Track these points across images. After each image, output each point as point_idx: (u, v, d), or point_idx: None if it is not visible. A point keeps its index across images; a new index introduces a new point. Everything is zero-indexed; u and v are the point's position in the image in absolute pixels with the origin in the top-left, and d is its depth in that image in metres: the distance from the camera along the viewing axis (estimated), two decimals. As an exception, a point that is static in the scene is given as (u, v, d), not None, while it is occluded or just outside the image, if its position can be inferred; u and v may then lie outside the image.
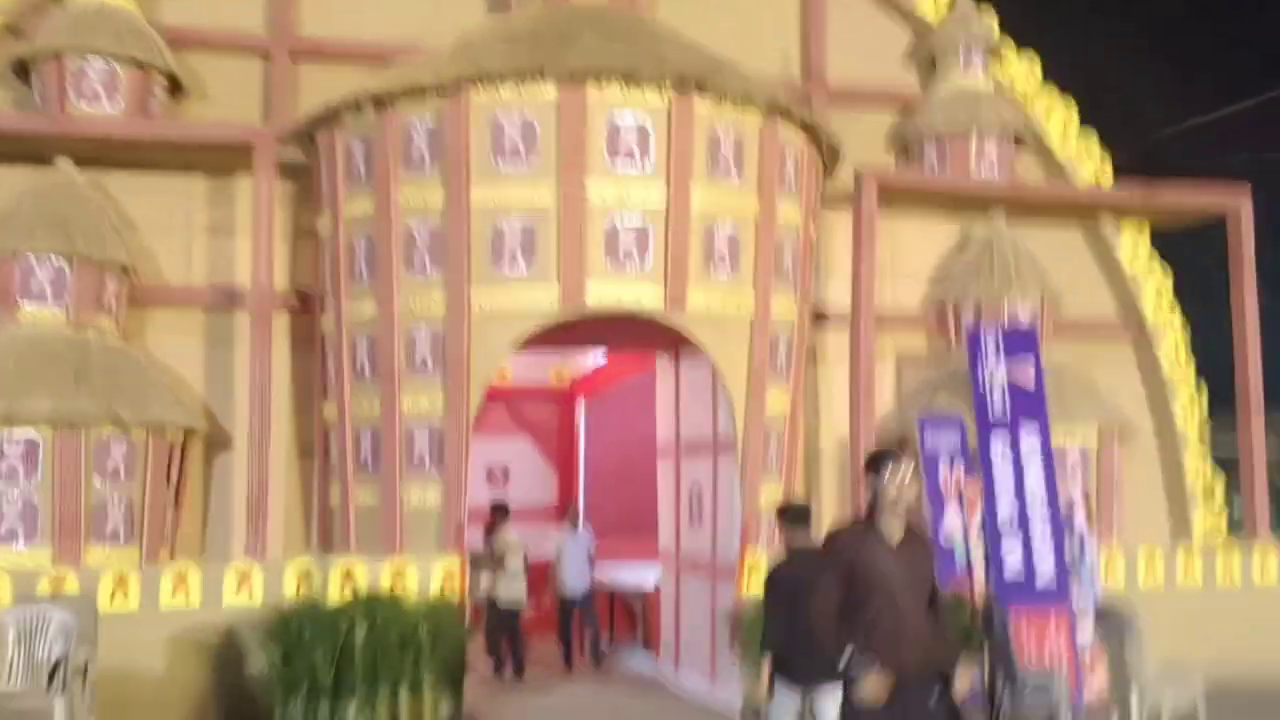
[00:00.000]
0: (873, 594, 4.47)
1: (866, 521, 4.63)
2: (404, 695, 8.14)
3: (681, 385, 11.00)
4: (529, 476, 16.07)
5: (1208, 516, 11.84)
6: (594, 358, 15.06)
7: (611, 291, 8.97)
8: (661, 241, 9.02)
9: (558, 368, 16.33)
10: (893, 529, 4.56)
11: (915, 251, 11.94)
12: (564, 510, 11.84)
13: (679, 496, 10.91)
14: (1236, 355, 11.63)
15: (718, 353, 9.41)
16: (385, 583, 8.59)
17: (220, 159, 10.13)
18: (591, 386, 15.28)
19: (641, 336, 10.59)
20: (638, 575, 12.39)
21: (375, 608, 8.22)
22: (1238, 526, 12.05)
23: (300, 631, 7.98)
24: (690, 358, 10.68)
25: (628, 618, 13.13)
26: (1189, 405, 12.00)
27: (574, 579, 11.71)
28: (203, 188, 10.45)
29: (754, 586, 9.19)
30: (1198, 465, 11.88)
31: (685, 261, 9.09)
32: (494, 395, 16.41)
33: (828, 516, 11.28)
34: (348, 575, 8.53)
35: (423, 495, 9.07)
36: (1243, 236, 11.66)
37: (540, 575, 14.74)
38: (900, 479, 4.50)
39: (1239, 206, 11.73)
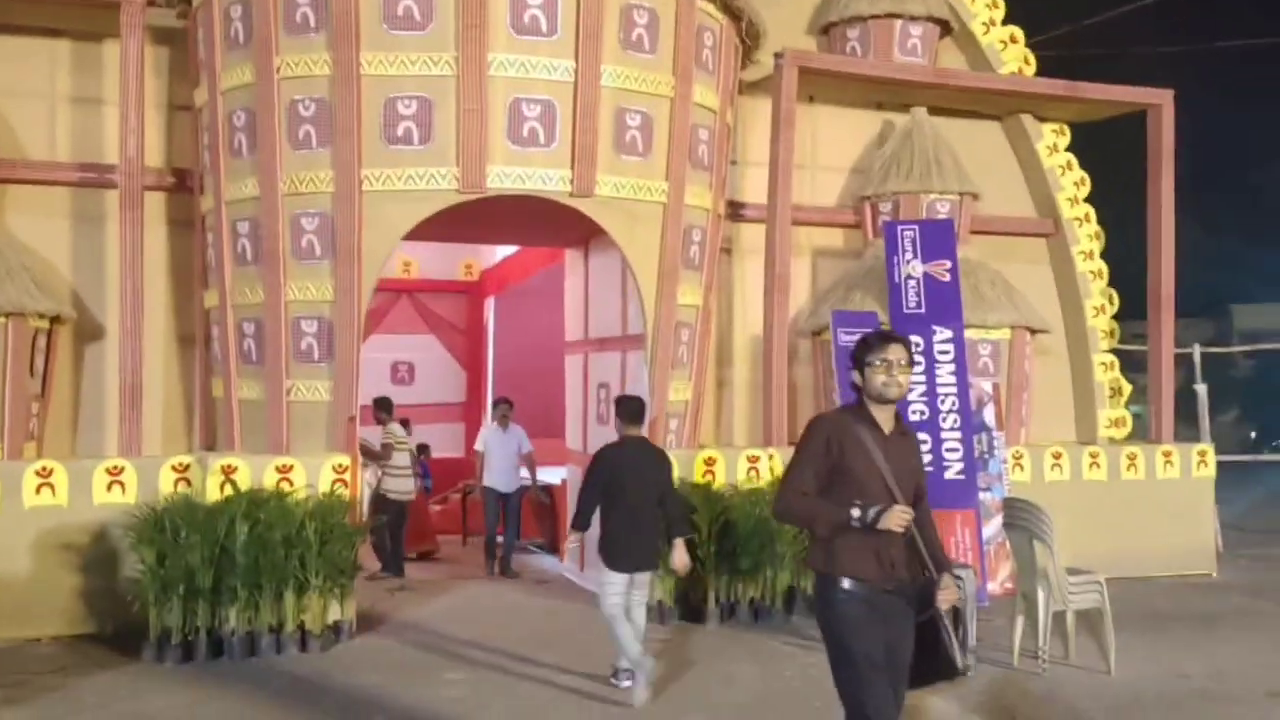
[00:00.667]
0: (860, 477, 4.02)
1: (856, 408, 4.14)
2: (289, 598, 7.65)
3: (591, 279, 10.48)
4: (436, 374, 15.50)
5: (1114, 417, 11.81)
6: (502, 248, 14.41)
7: (515, 173, 8.33)
8: (569, 121, 8.37)
9: (466, 262, 15.65)
10: (883, 418, 4.08)
11: (835, 144, 11.46)
12: (495, 405, 11.44)
13: (587, 394, 10.47)
14: (1150, 250, 11.48)
15: (628, 242, 8.87)
16: (270, 480, 8.02)
17: (85, 19, 9.11)
18: (501, 281, 14.66)
19: (550, 227, 10.00)
20: (550, 476, 12.00)
21: (258, 506, 7.67)
22: (1145, 428, 12.07)
23: (176, 531, 7.40)
24: (600, 250, 10.13)
25: (536, 519, 12.78)
26: (1100, 305, 11.87)
27: (500, 478, 11.06)
28: (67, 52, 9.42)
29: (661, 485, 8.84)
30: (1106, 365, 11.80)
31: (594, 143, 8.46)
32: (400, 289, 15.77)
33: (740, 414, 10.99)
34: (229, 472, 7.93)
35: (311, 389, 8.45)
36: (1163, 132, 11.41)
37: (446, 472, 14.33)
38: (890, 365, 4.01)
39: (1161, 102, 11.45)
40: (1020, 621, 7.30)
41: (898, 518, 3.93)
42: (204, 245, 9.18)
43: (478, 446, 11.16)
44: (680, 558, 6.69)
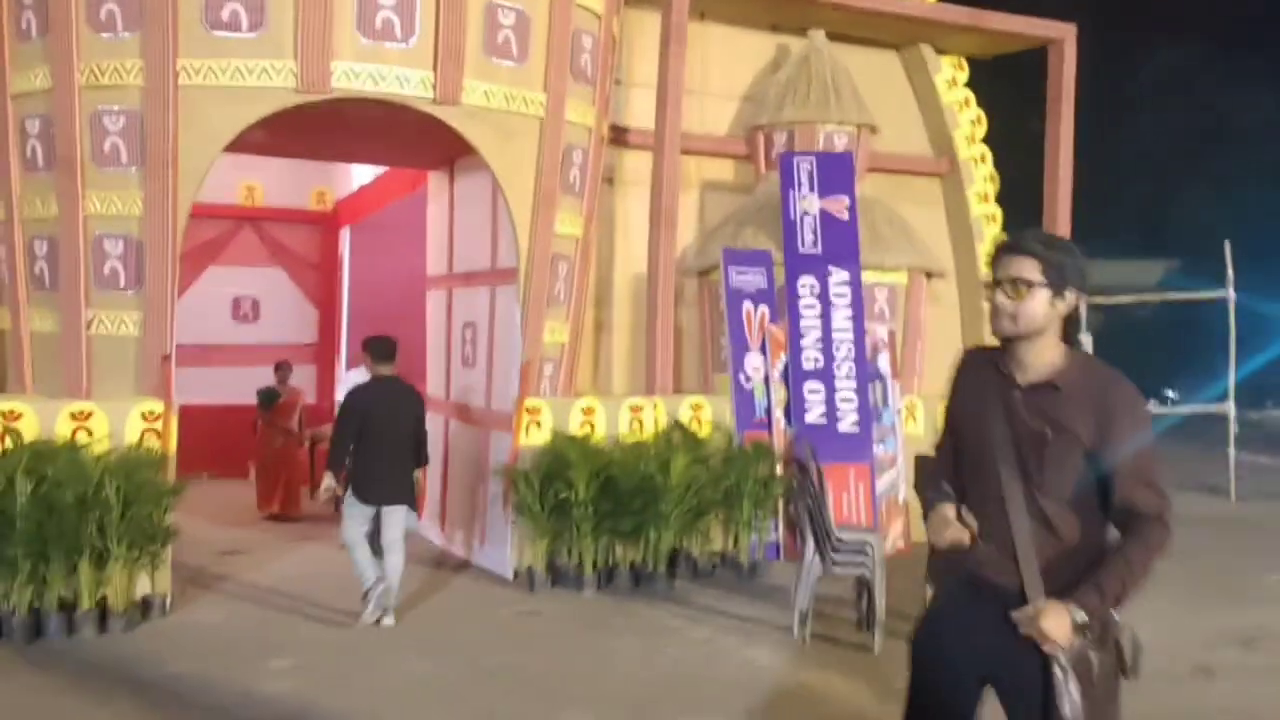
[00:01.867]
0: (971, 449, 2.86)
1: (999, 350, 2.84)
2: (85, 570, 6.34)
3: (457, 206, 9.27)
4: (283, 312, 14.00)
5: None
6: (358, 175, 12.98)
7: (366, 72, 7.05)
8: (431, 13, 7.13)
9: (319, 189, 14.13)
10: (1017, 363, 2.76)
11: (727, 68, 10.49)
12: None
13: (450, 335, 9.30)
14: (1046, 193, 10.95)
15: (499, 161, 7.71)
16: (64, 430, 6.65)
17: None
18: (357, 211, 13.23)
19: (409, 144, 8.74)
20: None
21: (44, 460, 6.30)
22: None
23: (-62, 493, 6.00)
24: (467, 173, 8.93)
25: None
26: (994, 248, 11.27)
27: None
28: None
29: (533, 436, 7.82)
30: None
31: (461, 42, 7.24)
32: (243, 217, 14.15)
33: (620, 360, 10.02)
34: (10, 420, 6.52)
35: (116, 321, 7.06)
36: (1064, 67, 10.82)
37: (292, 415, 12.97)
38: (1001, 286, 2.74)
39: (1064, 37, 10.85)
40: (930, 590, 6.57)
41: (950, 532, 2.79)
42: (-13, 148, 7.58)
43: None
44: (418, 482, 6.88)
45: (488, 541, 8.30)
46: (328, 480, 6.54)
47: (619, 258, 10.02)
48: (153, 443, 6.87)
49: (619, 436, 8.22)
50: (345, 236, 13.80)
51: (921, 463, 6.45)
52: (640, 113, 9.80)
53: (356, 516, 6.60)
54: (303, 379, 13.81)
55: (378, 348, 6.79)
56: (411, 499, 6.69)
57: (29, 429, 6.56)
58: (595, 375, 9.90)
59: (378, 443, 6.51)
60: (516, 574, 7.85)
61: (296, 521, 10.30)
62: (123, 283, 7.05)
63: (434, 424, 9.34)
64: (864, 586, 6.40)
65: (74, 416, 6.73)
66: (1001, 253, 2.83)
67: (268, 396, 10.91)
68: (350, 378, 9.52)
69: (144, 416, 6.89)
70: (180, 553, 7.48)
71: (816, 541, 6.28)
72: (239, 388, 12.50)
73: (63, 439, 6.61)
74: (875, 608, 6.19)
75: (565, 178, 8.13)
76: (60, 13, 6.84)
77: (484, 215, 8.61)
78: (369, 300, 13.75)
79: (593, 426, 8.19)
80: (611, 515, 7.64)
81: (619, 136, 9.67)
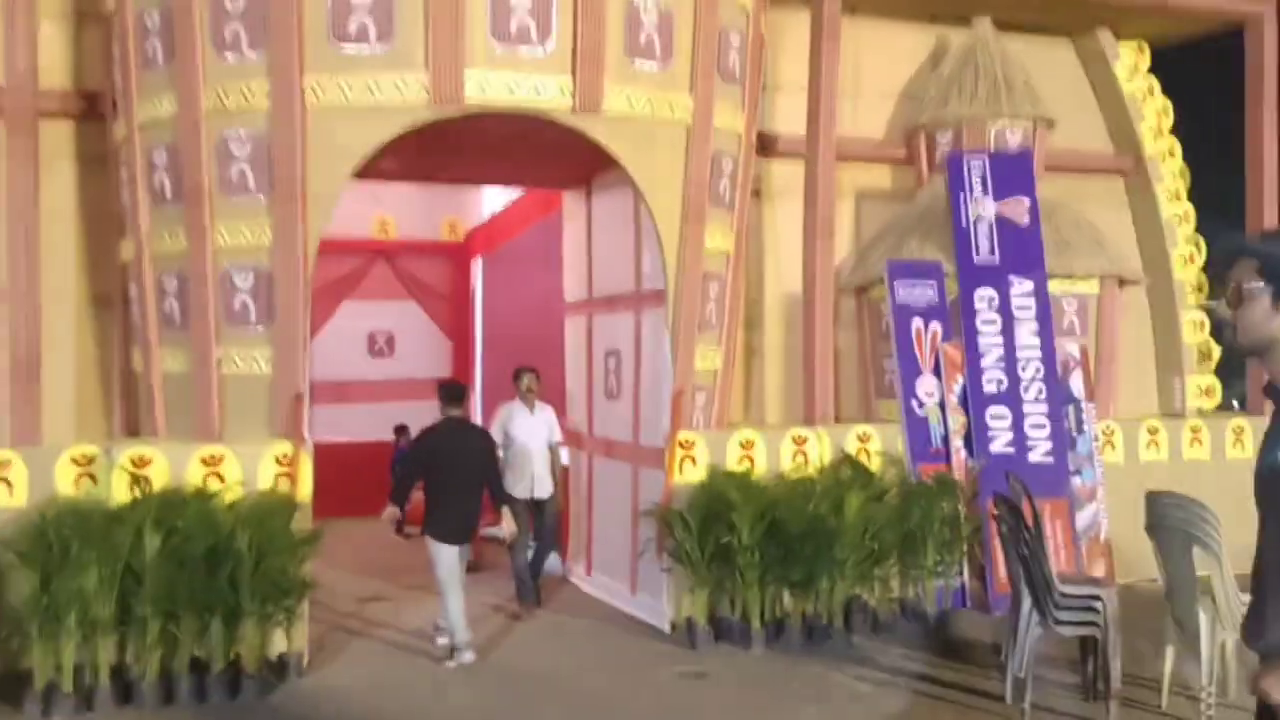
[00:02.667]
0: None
1: None
2: (216, 629, 5.86)
3: (595, 225, 8.63)
4: (418, 345, 13.66)
5: (1203, 384, 10.03)
6: (489, 202, 12.55)
7: (501, 81, 6.47)
8: (569, 13, 6.52)
9: (450, 220, 13.78)
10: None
11: (881, 66, 9.62)
12: (518, 377, 8.03)
13: (591, 365, 8.65)
14: (1249, 188, 9.69)
15: (642, 173, 7.04)
16: (194, 476, 6.22)
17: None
18: (488, 239, 12.79)
19: (545, 160, 8.15)
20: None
21: (173, 510, 5.86)
22: (1237, 394, 10.32)
23: (66, 546, 5.59)
24: (607, 189, 8.29)
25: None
26: (1188, 254, 10.06)
27: (535, 474, 7.85)
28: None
29: (687, 474, 7.07)
30: (1196, 325, 10.02)
31: (600, 44, 6.61)
32: (376, 250, 13.91)
33: (773, 388, 9.20)
34: (139, 466, 6.13)
35: (246, 360, 6.62)
36: (1264, 46, 9.58)
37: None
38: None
39: (1261, 13, 9.62)
40: (1170, 651, 5.53)
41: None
42: (119, 183, 7.32)
43: (497, 438, 7.69)
44: (508, 524, 7.00)
45: (640, 589, 7.57)
46: (390, 509, 6.75)
47: (769, 276, 9.23)
48: (286, 487, 6.39)
49: (781, 472, 7.40)
50: (477, 267, 13.40)
51: (1152, 502, 5.45)
52: (787, 118, 9.04)
53: (447, 558, 6.55)
54: (435, 415, 13.44)
55: (447, 391, 7.01)
56: (472, 536, 6.92)
57: (159, 476, 6.15)
58: (747, 405, 9.12)
59: (448, 482, 6.59)
60: (674, 626, 7.09)
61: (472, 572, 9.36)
62: (253, 318, 6.62)
63: (576, 460, 8.73)
64: (1091, 647, 5.41)
65: (205, 461, 6.30)
66: (1220, 257, 2.16)
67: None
68: (501, 414, 8.05)
69: (277, 460, 6.42)
70: (317, 603, 7.01)
71: (1034, 595, 5.32)
72: (375, 424, 12.18)
73: (193, 486, 6.18)
74: (1110, 674, 5.19)
75: (714, 189, 7.41)
76: (185, 35, 6.49)
77: (626, 234, 7.94)
78: (503, 331, 13.30)
79: (752, 461, 7.40)
80: (780, 562, 6.81)
81: (765, 145, 8.91)
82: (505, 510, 6.89)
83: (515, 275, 13.46)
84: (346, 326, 13.26)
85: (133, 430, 7.41)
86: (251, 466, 6.36)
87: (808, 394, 8.35)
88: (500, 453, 7.44)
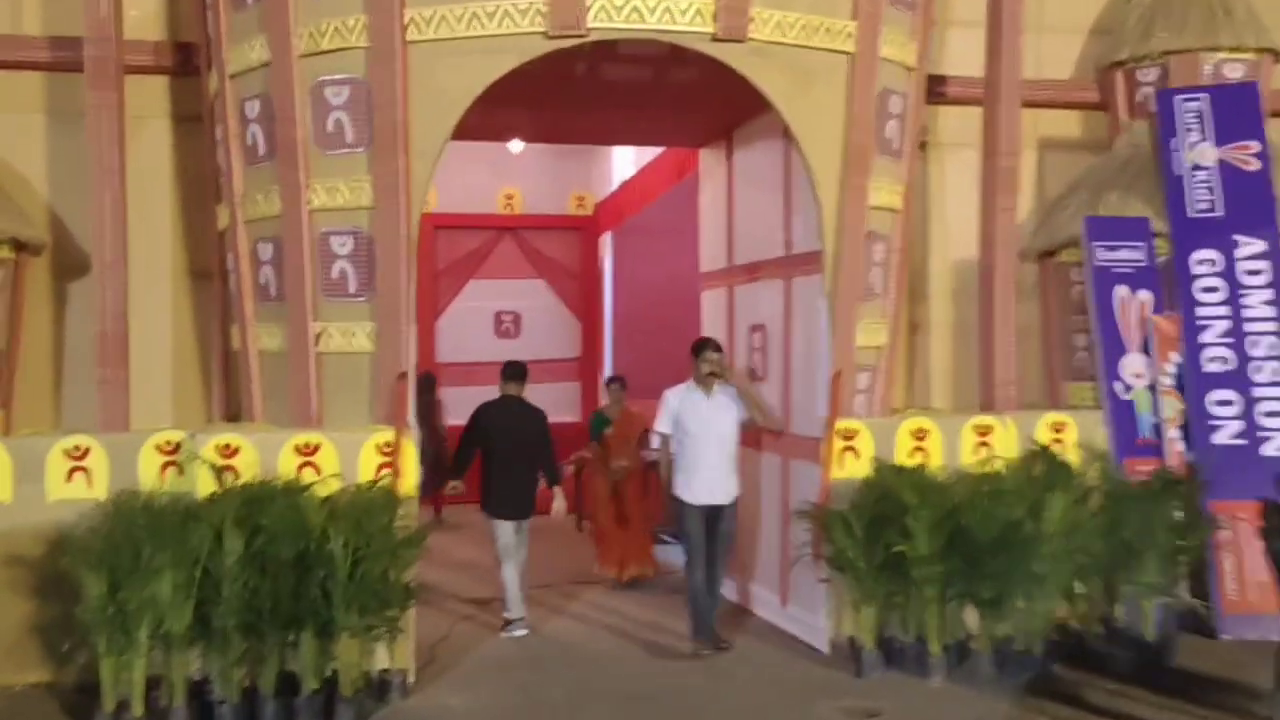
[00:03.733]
0: None
1: None
2: (307, 643, 4.98)
3: (737, 183, 7.48)
4: (546, 325, 12.77)
5: None
6: (619, 172, 11.53)
7: (629, 5, 5.38)
8: (709, -79, 5.38)
9: (578, 194, 12.83)
10: None
11: (1066, -3, 8.15)
12: (698, 351, 6.27)
13: (732, 339, 7.50)
14: None
15: (797, 113, 5.85)
16: (286, 466, 5.38)
17: None
18: (618, 212, 11.77)
19: (678, 113, 7.07)
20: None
21: (259, 507, 5.00)
22: None
23: (136, 547, 4.79)
24: (750, 141, 7.14)
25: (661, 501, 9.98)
26: None
27: (709, 482, 6.14)
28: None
29: (849, 468, 5.88)
30: None
31: (747, -42, 5.46)
32: (502, 226, 13.08)
33: (939, 368, 7.89)
34: (226, 455, 5.32)
35: (347, 335, 5.74)
36: None
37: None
38: None
39: None
40: None
41: None
42: (214, 143, 6.55)
43: (661, 427, 6.26)
44: (557, 505, 6.93)
45: (793, 601, 6.42)
46: (454, 482, 6.75)
47: (934, 240, 7.92)
48: (388, 480, 5.48)
49: (961, 468, 6.13)
50: (606, 242, 12.42)
51: None
52: (958, 58, 7.68)
53: (504, 529, 6.61)
54: (564, 397, 12.55)
55: (509, 370, 6.99)
56: (530, 511, 6.78)
57: (247, 466, 5.33)
58: (910, 388, 7.83)
59: (503, 458, 6.59)
60: (834, 646, 5.93)
61: (643, 581, 7.82)
62: (353, 288, 5.73)
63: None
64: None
65: (299, 450, 5.45)
66: None
67: (598, 422, 8.29)
68: (669, 402, 6.27)
69: (378, 449, 5.52)
70: (427, 604, 6.13)
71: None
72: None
73: (285, 478, 5.33)
74: None
75: (880, 133, 6.17)
76: (276, -32, 5.62)
77: (774, 190, 6.77)
78: (633, 309, 12.30)
79: (926, 454, 6.15)
80: (965, 575, 5.55)
81: (932, 89, 7.56)
82: (558, 490, 6.82)
83: (646, 249, 12.40)
84: (473, 306, 12.50)
85: (233, 415, 6.65)
86: (350, 456, 5.49)
87: (985, 375, 7.01)
88: (672, 448, 6.21)
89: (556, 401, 12.42)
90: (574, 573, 8.10)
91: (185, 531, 4.84)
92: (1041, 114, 8.00)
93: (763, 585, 6.87)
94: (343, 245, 5.71)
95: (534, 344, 12.62)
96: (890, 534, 5.54)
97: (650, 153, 10.20)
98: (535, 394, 11.84)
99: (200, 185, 6.89)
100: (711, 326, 7.90)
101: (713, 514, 6.13)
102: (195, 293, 6.98)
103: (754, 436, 6.91)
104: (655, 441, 6.57)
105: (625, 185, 11.35)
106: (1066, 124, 8.14)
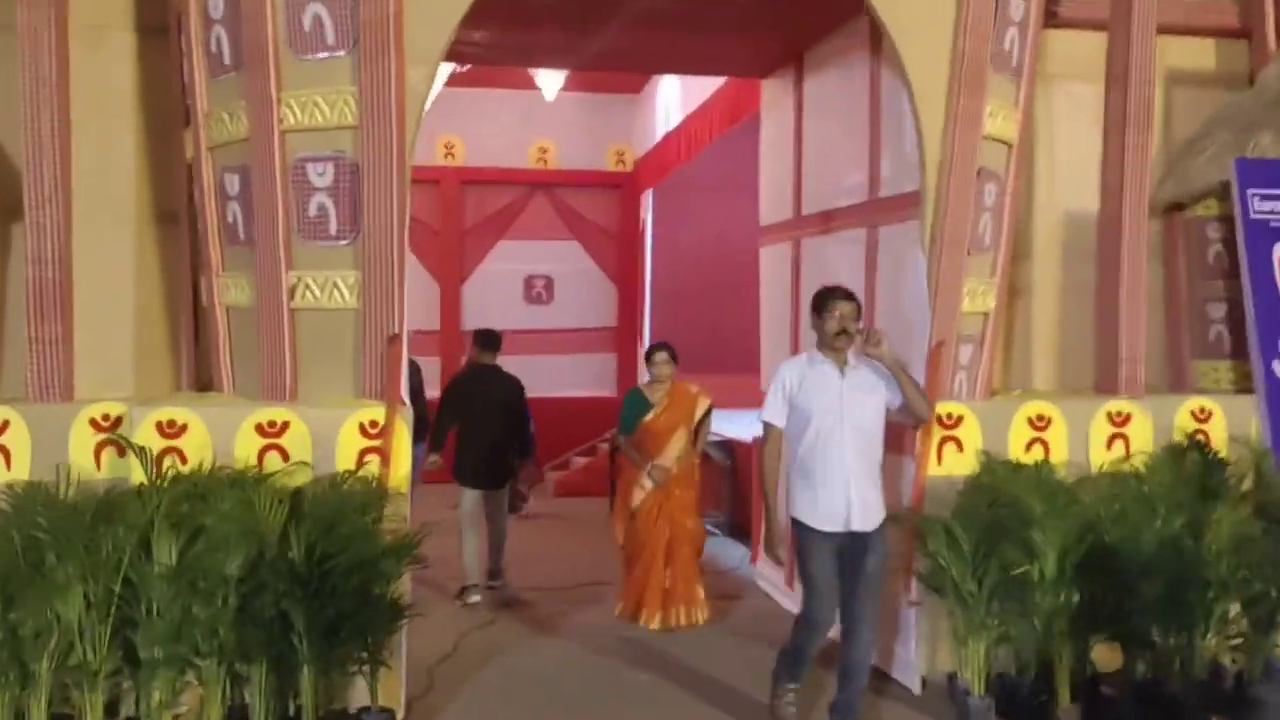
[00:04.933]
0: None
1: None
2: (260, 679, 3.79)
3: (808, 115, 6.15)
4: (580, 291, 11.53)
5: None
6: (662, 123, 10.24)
7: None
8: None
9: (617, 148, 11.55)
10: None
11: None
12: (819, 302, 4.20)
13: (798, 306, 6.20)
14: None
15: (897, 16, 4.53)
16: (246, 450, 4.19)
17: None
18: (661, 166, 10.48)
19: (736, 31, 5.74)
20: (733, 427, 7.96)
21: (201, 502, 3.81)
22: None
23: (39, 553, 3.62)
24: (828, 62, 5.82)
25: (707, 488, 8.76)
26: None
27: (852, 489, 4.05)
28: None
29: (949, 463, 4.58)
30: None
31: None
32: (534, 182, 11.84)
33: (1043, 340, 6.53)
34: (170, 434, 4.14)
35: (327, 287, 4.52)
36: None
37: (590, 418, 10.51)
38: None
39: None
40: None
41: None
42: (180, 56, 5.33)
43: (771, 415, 4.20)
44: (526, 476, 6.70)
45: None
46: (432, 456, 6.42)
47: (1040, 189, 6.53)
48: (374, 468, 4.28)
49: (1093, 465, 4.82)
50: (647, 201, 11.14)
51: None
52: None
53: (467, 498, 6.40)
54: (599, 370, 11.34)
55: (483, 338, 6.70)
56: (507, 480, 6.52)
57: (196, 449, 4.14)
58: (1008, 363, 6.48)
59: (475, 427, 6.35)
60: (929, 686, 4.66)
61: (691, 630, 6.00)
62: (334, 228, 4.50)
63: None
64: None
65: (261, 429, 4.25)
66: None
67: (633, 406, 5.98)
68: (785, 378, 4.14)
69: (362, 429, 4.31)
70: (435, 619, 4.95)
71: None
72: (532, 380, 10.14)
73: (246, 463, 4.14)
74: None
75: (998, 42, 4.82)
76: None
77: (856, 121, 5.45)
78: (676, 274, 11.05)
79: (1046, 447, 4.84)
80: (1101, 603, 4.25)
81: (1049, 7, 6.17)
82: (529, 463, 6.66)
83: (692, 208, 11.13)
84: (501, 269, 11.31)
85: (204, 384, 5.46)
86: (326, 437, 4.29)
87: (1104, 350, 5.66)
88: (782, 447, 4.18)
89: (590, 375, 11.25)
90: (607, 569, 6.88)
91: (102, 534, 3.66)
92: (1168, 42, 6.54)
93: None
94: (321, 174, 4.48)
95: (567, 311, 11.42)
96: (1008, 549, 4.24)
97: (698, 98, 8.91)
98: (566, 365, 10.70)
99: (170, 111, 5.67)
100: (772, 290, 6.61)
101: (851, 546, 4.04)
102: (163, 239, 5.74)
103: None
104: (708, 436, 5.32)
105: (669, 136, 10.06)
106: (1200, 55, 6.67)
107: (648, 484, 5.79)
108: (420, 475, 7.32)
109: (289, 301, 4.54)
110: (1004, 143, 5.00)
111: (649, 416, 5.86)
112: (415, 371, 7.11)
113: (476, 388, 6.44)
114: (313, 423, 4.29)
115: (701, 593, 5.82)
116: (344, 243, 4.48)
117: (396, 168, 4.36)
